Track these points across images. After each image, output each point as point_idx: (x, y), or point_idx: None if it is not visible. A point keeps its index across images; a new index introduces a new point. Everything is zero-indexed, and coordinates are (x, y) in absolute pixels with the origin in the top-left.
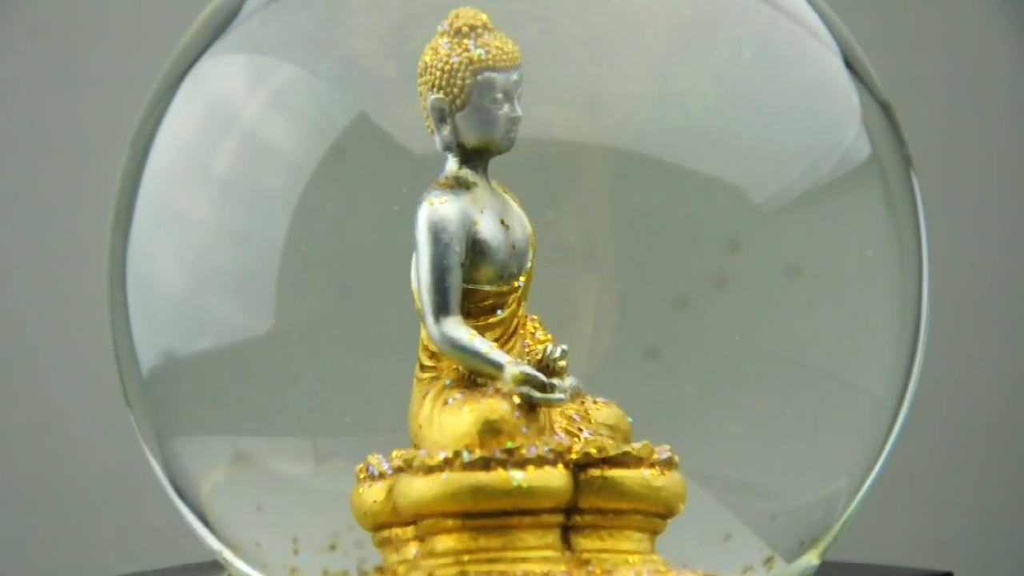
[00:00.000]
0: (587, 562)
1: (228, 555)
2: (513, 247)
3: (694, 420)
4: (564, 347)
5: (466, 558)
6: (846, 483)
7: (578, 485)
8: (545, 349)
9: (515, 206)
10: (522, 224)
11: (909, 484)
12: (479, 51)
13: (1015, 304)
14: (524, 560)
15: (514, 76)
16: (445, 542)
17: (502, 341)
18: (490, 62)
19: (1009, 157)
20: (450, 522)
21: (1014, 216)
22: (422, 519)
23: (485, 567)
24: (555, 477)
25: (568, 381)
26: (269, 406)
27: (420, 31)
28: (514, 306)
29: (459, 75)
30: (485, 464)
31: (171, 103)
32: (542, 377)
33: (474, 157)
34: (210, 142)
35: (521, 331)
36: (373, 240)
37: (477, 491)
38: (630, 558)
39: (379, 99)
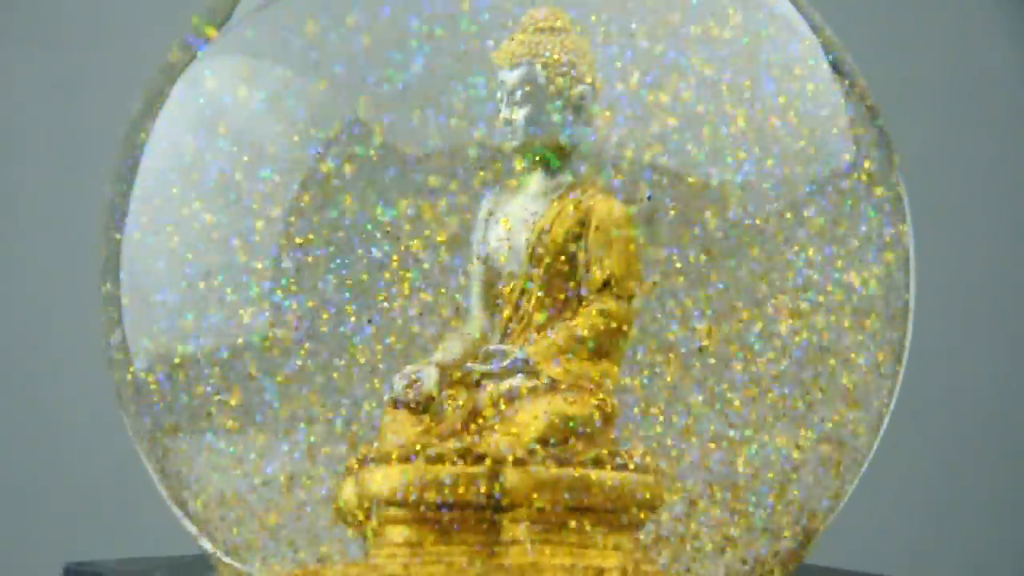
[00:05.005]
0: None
1: (220, 556)
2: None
3: (669, 418)
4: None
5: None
6: (826, 495)
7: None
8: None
9: (541, 207)
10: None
11: (892, 491)
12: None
13: (1008, 310)
14: None
15: (508, 77)
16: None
17: (512, 338)
18: (496, 60)
19: (1004, 160)
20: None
21: (1007, 221)
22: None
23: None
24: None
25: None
26: (261, 408)
27: (412, 35)
28: (513, 305)
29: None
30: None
31: (164, 104)
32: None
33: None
34: (204, 143)
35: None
36: (367, 242)
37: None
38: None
39: (375, 102)
